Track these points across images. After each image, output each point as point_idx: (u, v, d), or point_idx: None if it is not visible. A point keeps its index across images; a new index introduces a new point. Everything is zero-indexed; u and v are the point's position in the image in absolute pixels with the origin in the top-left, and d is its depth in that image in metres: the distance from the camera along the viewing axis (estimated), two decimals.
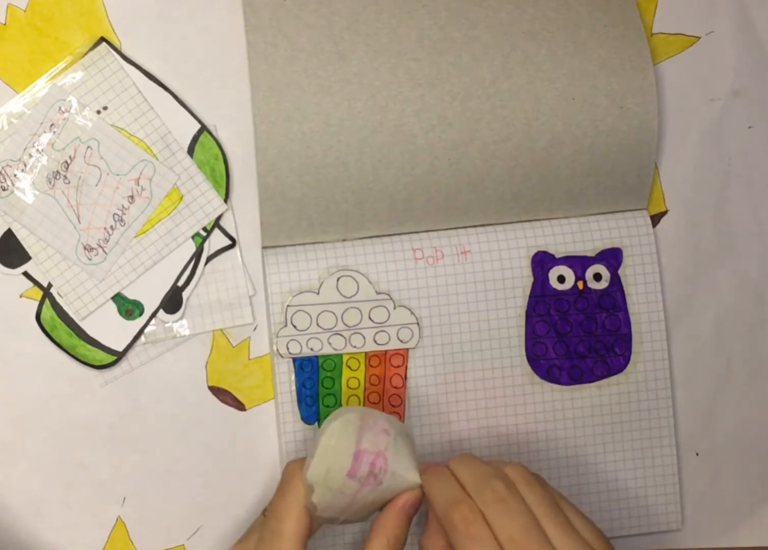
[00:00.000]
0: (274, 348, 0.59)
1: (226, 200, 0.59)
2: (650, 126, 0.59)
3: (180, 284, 0.58)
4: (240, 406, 0.60)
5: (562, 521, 0.47)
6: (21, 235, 0.57)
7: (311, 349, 0.59)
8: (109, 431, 0.58)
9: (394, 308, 0.59)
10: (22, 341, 0.58)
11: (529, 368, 0.60)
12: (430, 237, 0.60)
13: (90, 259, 0.57)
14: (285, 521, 0.50)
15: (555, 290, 0.61)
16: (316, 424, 0.59)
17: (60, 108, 0.57)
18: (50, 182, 0.57)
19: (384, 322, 0.59)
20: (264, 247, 0.59)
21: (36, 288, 0.58)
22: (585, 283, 0.61)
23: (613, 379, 0.61)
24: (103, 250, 0.58)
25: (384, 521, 0.50)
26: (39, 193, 0.57)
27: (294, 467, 0.52)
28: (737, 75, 0.64)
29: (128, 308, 0.58)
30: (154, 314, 0.58)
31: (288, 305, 0.58)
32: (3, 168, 0.57)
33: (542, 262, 0.60)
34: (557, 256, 0.61)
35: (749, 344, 0.64)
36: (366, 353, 0.59)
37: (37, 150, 0.57)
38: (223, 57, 0.59)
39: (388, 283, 0.59)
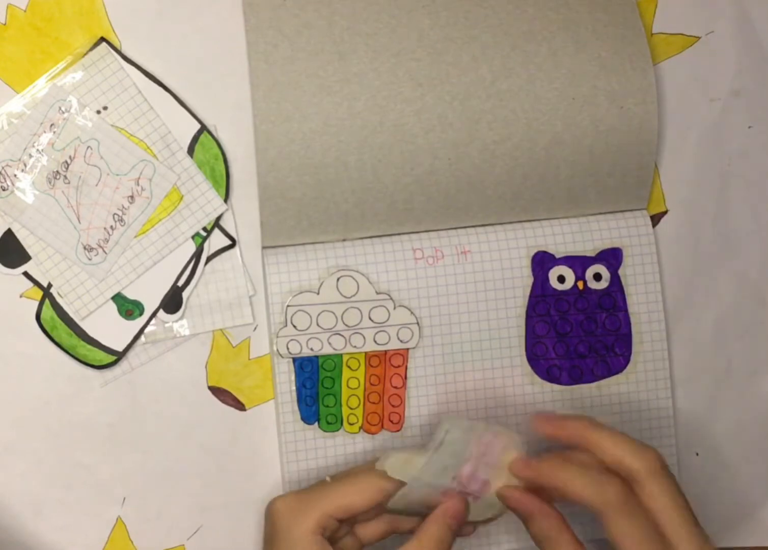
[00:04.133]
0: (274, 348, 0.59)
1: (226, 200, 0.59)
2: (650, 126, 0.59)
3: (180, 284, 0.58)
4: (240, 406, 0.60)
5: (692, 523, 0.50)
6: (21, 235, 0.57)
7: (311, 349, 0.59)
8: (109, 431, 0.58)
9: (394, 308, 0.59)
10: (22, 341, 0.58)
11: (529, 368, 0.60)
12: (430, 237, 0.60)
13: (90, 259, 0.57)
14: (346, 487, 0.51)
15: (555, 290, 0.61)
16: (317, 424, 0.59)
17: (60, 108, 0.57)
18: (50, 182, 0.57)
19: (384, 322, 0.59)
20: (264, 248, 0.59)
21: (36, 288, 0.58)
22: (585, 283, 0.61)
23: (613, 379, 0.61)
24: (103, 251, 0.58)
25: (425, 526, 0.51)
26: (39, 193, 0.57)
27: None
28: (737, 75, 0.63)
29: (128, 308, 0.58)
30: (154, 314, 0.58)
31: (288, 305, 0.58)
32: (3, 168, 0.57)
33: (542, 262, 0.60)
34: (557, 256, 0.61)
35: (749, 344, 0.64)
36: (366, 353, 0.59)
37: (37, 150, 0.57)
38: (223, 57, 0.59)
39: (388, 283, 0.59)
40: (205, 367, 0.59)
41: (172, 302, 0.58)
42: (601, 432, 0.52)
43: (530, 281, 0.60)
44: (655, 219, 0.63)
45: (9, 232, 0.57)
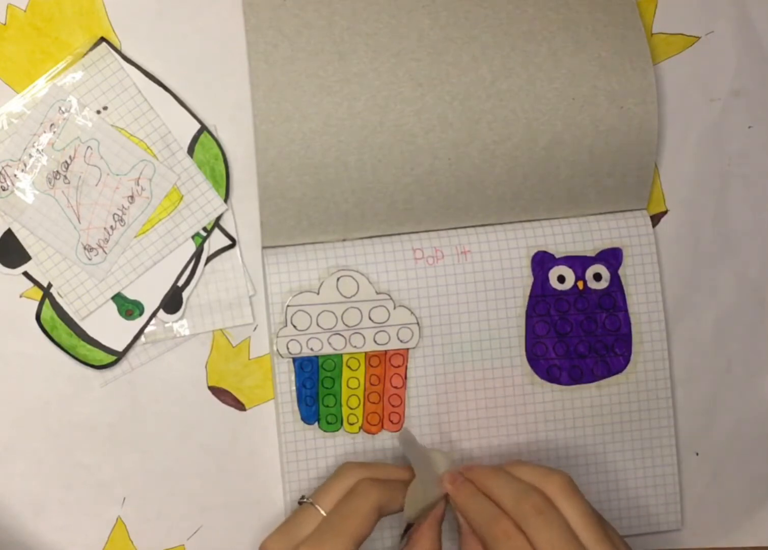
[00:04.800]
0: (274, 348, 0.59)
1: (226, 200, 0.59)
2: (650, 126, 0.59)
3: (180, 284, 0.58)
4: (240, 406, 0.60)
5: (601, 534, 0.50)
6: (21, 235, 0.57)
7: (311, 349, 0.59)
8: (109, 431, 0.58)
9: (394, 308, 0.59)
10: (22, 341, 0.58)
11: (529, 368, 0.60)
12: (430, 237, 0.60)
13: (90, 259, 0.58)
14: (351, 520, 0.52)
15: (555, 290, 0.61)
16: (317, 424, 0.59)
17: (60, 108, 0.57)
18: (50, 182, 0.57)
19: (384, 322, 0.59)
20: (264, 248, 0.59)
21: (36, 288, 0.58)
22: (585, 283, 0.61)
23: (613, 379, 0.61)
24: (103, 251, 0.58)
25: (422, 534, 0.55)
26: (39, 193, 0.57)
27: (355, 468, 0.55)
28: (737, 75, 0.64)
29: (128, 308, 0.58)
30: (154, 314, 0.58)
31: (288, 305, 0.58)
32: (3, 168, 0.57)
33: (542, 262, 0.60)
34: (557, 256, 0.61)
35: (749, 344, 0.64)
36: (366, 353, 0.59)
37: (37, 150, 0.57)
38: (223, 57, 0.59)
39: (388, 283, 0.59)
40: (205, 367, 0.59)
41: (172, 302, 0.58)
42: (495, 479, 0.53)
43: (530, 281, 0.60)
44: (655, 219, 0.63)
45: (9, 232, 0.57)
